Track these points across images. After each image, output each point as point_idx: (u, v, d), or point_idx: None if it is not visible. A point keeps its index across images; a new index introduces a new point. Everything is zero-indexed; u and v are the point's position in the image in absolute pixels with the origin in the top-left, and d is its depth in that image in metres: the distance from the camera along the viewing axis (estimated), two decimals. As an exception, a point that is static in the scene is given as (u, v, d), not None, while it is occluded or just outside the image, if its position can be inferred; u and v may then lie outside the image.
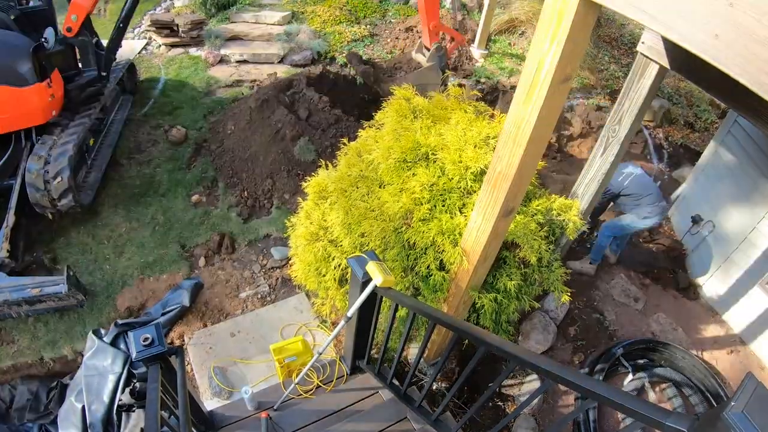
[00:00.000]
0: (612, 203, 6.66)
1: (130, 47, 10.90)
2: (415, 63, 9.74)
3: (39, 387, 5.96)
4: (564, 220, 4.64)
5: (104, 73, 7.85)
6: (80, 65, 7.74)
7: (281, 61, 10.68)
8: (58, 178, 6.36)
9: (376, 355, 4.84)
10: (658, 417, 2.01)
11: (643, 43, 4.60)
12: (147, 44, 11.27)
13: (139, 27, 11.82)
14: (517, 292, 4.52)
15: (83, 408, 5.01)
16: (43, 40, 6.73)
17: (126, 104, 9.02)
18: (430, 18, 8.97)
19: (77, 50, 7.60)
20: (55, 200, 6.44)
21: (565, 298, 4.64)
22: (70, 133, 6.85)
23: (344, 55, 9.63)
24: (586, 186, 5.64)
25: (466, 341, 5.39)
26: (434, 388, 5.46)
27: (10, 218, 6.21)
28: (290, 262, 5.92)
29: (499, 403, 5.63)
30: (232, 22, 11.59)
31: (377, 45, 11.25)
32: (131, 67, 9.47)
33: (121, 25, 7.68)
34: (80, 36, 7.29)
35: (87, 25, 7.45)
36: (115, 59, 8.32)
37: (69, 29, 7.05)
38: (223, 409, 4.89)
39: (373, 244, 4.36)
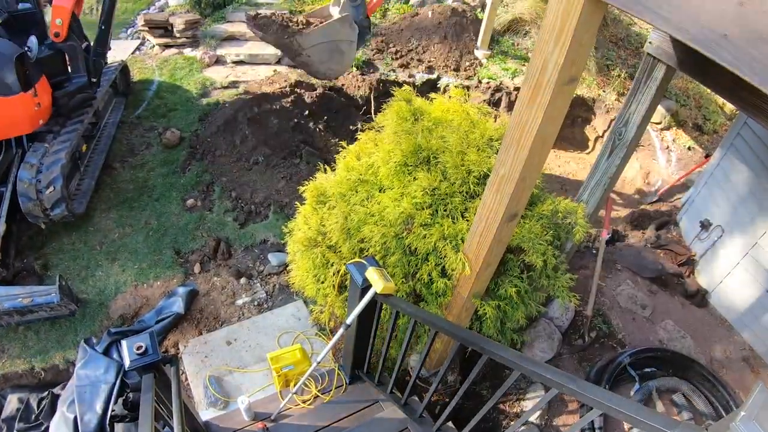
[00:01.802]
0: None
1: (122, 47, 10.92)
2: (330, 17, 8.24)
3: (29, 396, 5.95)
4: (570, 223, 4.64)
5: (94, 79, 7.76)
6: (69, 71, 7.61)
7: (279, 61, 10.67)
8: (51, 188, 6.34)
9: (376, 364, 4.84)
10: (666, 427, 2.01)
11: (650, 43, 4.62)
12: (140, 44, 11.28)
13: (133, 27, 11.84)
14: (523, 296, 4.53)
15: (75, 419, 5.01)
16: (26, 48, 6.65)
17: (119, 107, 9.02)
18: None
19: (66, 56, 7.47)
20: (48, 210, 6.42)
21: (575, 301, 4.65)
22: (62, 140, 6.82)
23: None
24: (592, 189, 5.65)
25: (470, 350, 5.39)
26: (435, 399, 5.46)
27: (1, 226, 6.20)
28: (288, 268, 5.92)
29: (501, 416, 5.62)
30: (228, 22, 11.60)
31: (373, 45, 11.26)
32: (124, 68, 9.46)
33: (102, 26, 7.58)
34: (69, 41, 7.17)
35: (76, 29, 7.38)
36: (106, 63, 8.25)
37: (57, 34, 6.93)
38: (218, 419, 4.89)
39: (373, 250, 4.36)
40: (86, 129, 7.54)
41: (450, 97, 5.27)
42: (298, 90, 9.58)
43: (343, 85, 10.08)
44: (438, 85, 10.53)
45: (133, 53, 10.94)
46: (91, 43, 7.80)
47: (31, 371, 5.93)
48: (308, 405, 4.92)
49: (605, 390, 2.40)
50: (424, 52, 11.08)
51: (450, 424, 4.40)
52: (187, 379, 5.69)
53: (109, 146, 8.21)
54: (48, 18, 6.94)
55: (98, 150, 7.99)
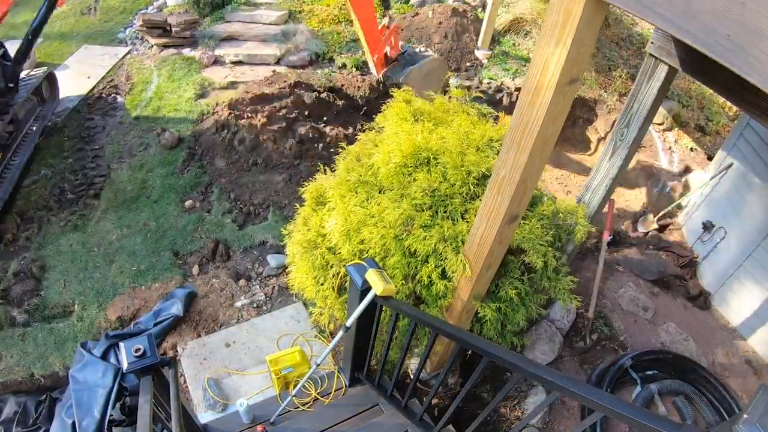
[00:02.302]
0: None
1: (110, 53, 10.97)
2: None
3: (27, 400, 5.95)
4: (571, 224, 4.64)
5: (11, 85, 7.77)
6: None
7: (278, 62, 10.67)
8: None
9: (376, 367, 4.84)
10: (668, 430, 2.01)
11: (652, 43, 4.62)
12: (139, 44, 11.26)
13: (131, 27, 11.84)
14: (524, 298, 4.53)
15: (74, 424, 5.01)
16: None
17: (44, 115, 8.98)
18: (374, 50, 8.90)
19: None
20: None
21: (576, 303, 4.65)
22: None
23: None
24: (594, 191, 5.65)
25: (470, 352, 5.39)
26: (435, 401, 5.45)
27: None
28: (287, 270, 5.92)
29: (502, 419, 5.62)
30: (226, 22, 11.59)
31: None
32: (50, 76, 9.35)
33: (30, 37, 7.63)
34: None
35: None
36: (22, 70, 8.25)
37: None
38: (217, 422, 4.90)
39: (373, 252, 4.36)
40: (1, 137, 7.61)
41: (450, 97, 5.27)
42: (298, 90, 9.57)
43: (342, 85, 10.08)
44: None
45: (130, 53, 10.96)
46: (8, 50, 7.86)
47: (31, 378, 5.92)
48: (308, 408, 4.92)
49: (607, 393, 2.40)
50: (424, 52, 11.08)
51: (450, 427, 4.40)
52: (185, 382, 5.69)
53: (31, 153, 8.25)
54: None
55: (18, 156, 8.03)
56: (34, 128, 8.61)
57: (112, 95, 9.78)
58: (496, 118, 4.99)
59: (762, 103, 3.61)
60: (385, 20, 9.23)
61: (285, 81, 9.74)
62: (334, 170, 5.22)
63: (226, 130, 8.60)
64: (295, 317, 6.38)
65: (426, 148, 4.49)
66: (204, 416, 5.25)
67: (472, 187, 4.26)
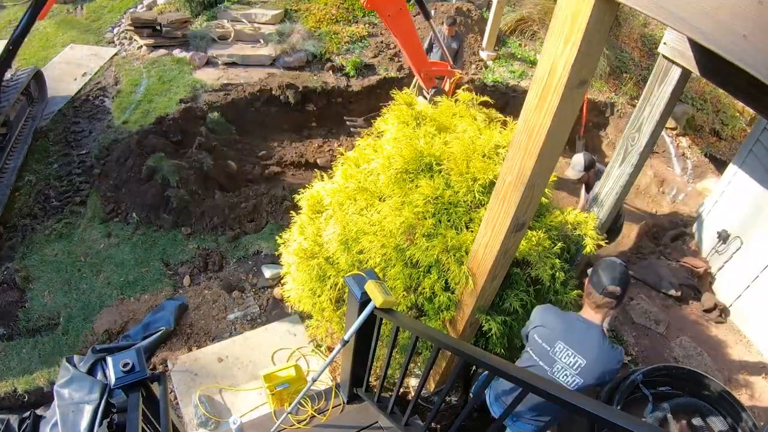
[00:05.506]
0: None
1: (98, 54, 11.01)
2: None
3: (10, 417, 5.92)
4: (580, 235, 4.63)
5: None
6: None
7: (273, 63, 10.69)
8: None
9: (375, 383, 4.83)
10: (684, 450, 2.01)
11: (665, 44, 4.62)
12: (127, 44, 11.28)
13: (119, 26, 11.87)
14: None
15: (58, 441, 4.98)
16: None
17: (35, 115, 9.05)
18: (418, 67, 8.74)
19: None
20: None
21: None
22: None
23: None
24: (603, 199, 5.64)
25: (474, 368, 5.38)
26: (438, 418, 5.43)
27: None
28: (282, 281, 5.91)
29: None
30: (219, 21, 11.61)
31: (373, 46, 11.29)
32: (38, 75, 9.42)
33: (11, 47, 7.59)
34: None
35: None
36: (1, 80, 8.30)
37: None
38: (209, 441, 4.88)
39: (373, 262, 4.35)
40: None
41: (456, 100, 5.27)
42: (291, 92, 9.60)
43: (343, 87, 10.11)
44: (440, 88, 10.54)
45: (119, 54, 10.97)
46: None
47: (14, 394, 5.88)
48: (304, 425, 4.90)
49: (617, 410, 2.40)
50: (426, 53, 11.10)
51: (454, 446, 4.39)
52: (176, 398, 5.67)
53: (26, 154, 8.29)
54: None
55: (13, 159, 8.07)
56: (26, 129, 8.66)
57: (100, 98, 9.80)
58: (504, 123, 4.99)
59: (779, 106, 3.62)
60: (442, 28, 9.65)
61: (279, 84, 9.81)
62: (332, 176, 5.22)
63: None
64: (291, 331, 6.37)
65: (429, 153, 4.49)
66: (195, 435, 5.24)
67: (477, 195, 4.25)
